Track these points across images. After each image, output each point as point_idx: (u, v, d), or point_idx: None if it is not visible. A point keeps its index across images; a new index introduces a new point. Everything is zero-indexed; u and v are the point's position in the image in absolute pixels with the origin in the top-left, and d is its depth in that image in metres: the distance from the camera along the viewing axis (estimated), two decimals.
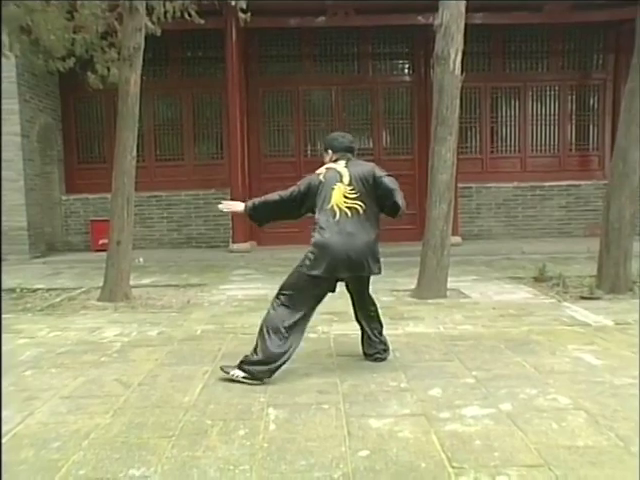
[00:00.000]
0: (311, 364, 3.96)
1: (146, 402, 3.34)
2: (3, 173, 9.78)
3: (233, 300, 6.29)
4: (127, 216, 6.39)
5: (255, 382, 3.57)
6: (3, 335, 4.95)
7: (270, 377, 3.61)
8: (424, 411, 3.13)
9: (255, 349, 3.66)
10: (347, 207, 3.78)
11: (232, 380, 3.62)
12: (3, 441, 2.87)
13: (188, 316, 5.55)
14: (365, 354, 4.07)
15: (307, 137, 11.32)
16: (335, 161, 3.97)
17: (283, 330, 3.65)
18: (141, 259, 9.00)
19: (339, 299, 6.10)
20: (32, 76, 10.09)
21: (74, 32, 6.86)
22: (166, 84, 11.01)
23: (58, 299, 6.54)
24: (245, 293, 6.70)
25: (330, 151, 4.06)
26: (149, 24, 6.65)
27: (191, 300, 6.33)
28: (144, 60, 6.50)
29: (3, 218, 9.81)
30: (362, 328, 4.09)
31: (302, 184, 3.98)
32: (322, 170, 3.96)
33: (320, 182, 3.88)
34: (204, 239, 10.96)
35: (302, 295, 3.78)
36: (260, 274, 8.10)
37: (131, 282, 6.57)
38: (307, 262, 3.82)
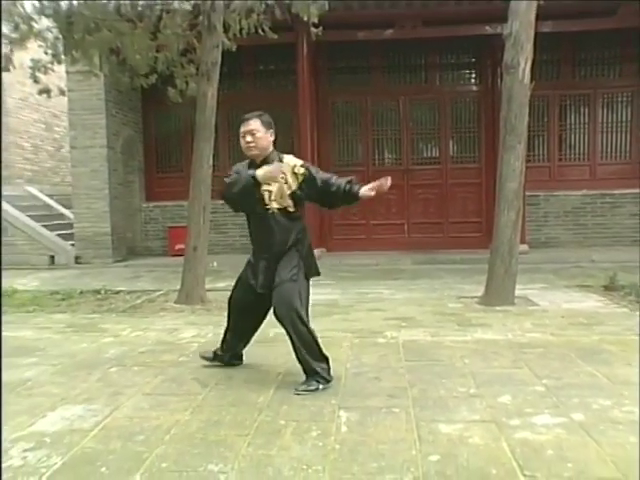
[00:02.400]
0: (381, 368, 3.94)
1: (222, 401, 3.41)
2: (91, 182, 10.30)
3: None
4: (203, 223, 6.55)
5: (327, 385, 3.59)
6: (90, 333, 5.18)
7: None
8: (494, 418, 3.06)
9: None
10: None
11: (274, 380, 3.64)
12: (94, 432, 2.99)
13: None
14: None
15: (375, 147, 11.30)
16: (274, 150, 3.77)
17: None
18: (215, 263, 9.17)
19: (404, 305, 6.11)
20: (118, 93, 10.53)
21: (157, 51, 7.10)
22: (240, 97, 11.19)
23: (139, 301, 6.77)
24: (315, 298, 6.61)
25: (273, 132, 3.76)
26: (225, 41, 6.83)
27: None
28: (220, 74, 6.65)
29: (90, 224, 10.29)
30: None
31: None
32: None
33: None
34: None
35: None
36: (330, 280, 8.11)
37: (206, 286, 6.72)
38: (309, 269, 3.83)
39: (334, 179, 3.72)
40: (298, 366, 3.89)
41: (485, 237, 9.76)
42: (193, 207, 6.56)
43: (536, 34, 6.02)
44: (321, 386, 3.54)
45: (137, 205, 11.53)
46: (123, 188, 11.07)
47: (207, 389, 3.62)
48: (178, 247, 10.09)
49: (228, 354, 4.05)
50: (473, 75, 11.32)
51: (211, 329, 5.23)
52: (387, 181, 3.59)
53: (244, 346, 4.07)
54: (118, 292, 7.31)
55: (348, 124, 11.32)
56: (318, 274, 3.93)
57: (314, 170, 3.76)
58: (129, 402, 3.42)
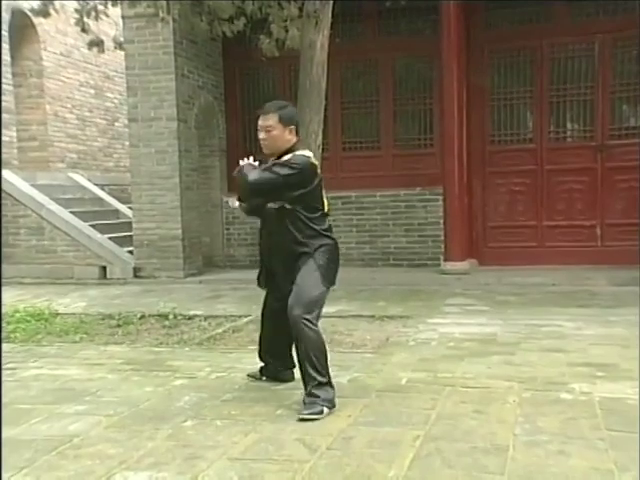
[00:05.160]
0: (568, 438, 3.80)
1: (338, 474, 3.42)
2: (155, 168, 10.64)
3: (448, 339, 6.28)
4: None
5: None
6: (156, 373, 5.38)
7: None
8: None
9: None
10: None
11: (454, 451, 3.60)
12: None
13: (388, 359, 5.63)
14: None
15: (553, 113, 11.00)
16: (296, 145, 4.53)
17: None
18: None
19: (599, 345, 5.88)
20: (191, 44, 10.86)
21: None
22: (358, 47, 11.27)
23: (220, 330, 6.97)
24: (464, 330, 6.65)
25: (294, 129, 4.48)
26: None
27: (391, 337, 6.41)
28: (332, 16, 6.72)
29: (154, 225, 10.67)
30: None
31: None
32: (314, 159, 4.56)
33: (318, 174, 4.53)
34: (406, 255, 11.05)
35: None
36: (484, 305, 8.00)
37: None
38: (328, 274, 4.49)
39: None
40: (443, 427, 3.87)
41: None
42: None
43: None
44: (326, 409, 4.20)
45: (217, 199, 11.85)
46: (199, 176, 11.47)
47: (316, 455, 3.64)
48: None
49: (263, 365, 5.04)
50: None
51: None
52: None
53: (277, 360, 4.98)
54: (192, 317, 7.56)
55: (513, 82, 11.10)
56: (332, 284, 4.59)
57: (294, 163, 4.39)
58: (211, 470, 3.50)
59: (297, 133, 4.52)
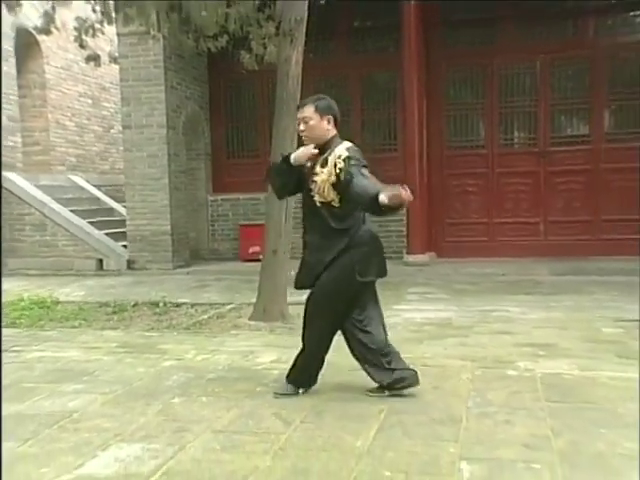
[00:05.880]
0: (513, 409, 3.85)
1: (311, 444, 3.43)
2: (147, 170, 10.65)
3: (410, 324, 6.30)
4: (285, 220, 6.63)
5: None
6: (148, 355, 5.36)
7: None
8: None
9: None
10: None
11: (414, 423, 3.62)
12: (155, 478, 3.08)
13: None
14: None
15: (502, 122, 11.06)
16: (335, 138, 4.15)
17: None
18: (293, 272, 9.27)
19: (541, 328, 5.95)
20: (180, 59, 10.86)
21: (228, 6, 7.25)
22: (330, 62, 11.28)
23: (205, 316, 6.95)
24: (424, 316, 6.69)
25: (332, 119, 4.14)
26: None
27: None
28: (306, 34, 6.71)
29: (146, 222, 10.66)
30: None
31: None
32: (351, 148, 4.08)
33: None
34: None
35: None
36: (443, 293, 8.05)
37: (288, 298, 6.79)
38: (358, 266, 4.01)
39: (362, 180, 3.87)
40: (405, 402, 3.91)
41: None
42: (272, 201, 6.64)
43: None
44: (298, 391, 4.22)
45: (202, 198, 11.85)
46: (186, 177, 11.42)
47: (291, 428, 3.65)
48: (252, 250, 10.31)
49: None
50: None
51: (294, 352, 5.26)
52: (405, 193, 3.59)
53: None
54: (180, 305, 7.53)
55: (467, 94, 11.16)
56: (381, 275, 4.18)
57: (354, 163, 3.95)
58: (196, 441, 3.50)
59: (336, 125, 4.17)
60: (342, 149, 4.03)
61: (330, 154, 4.04)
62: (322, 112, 4.09)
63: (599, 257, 9.92)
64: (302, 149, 4.14)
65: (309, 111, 4.08)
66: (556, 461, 3.15)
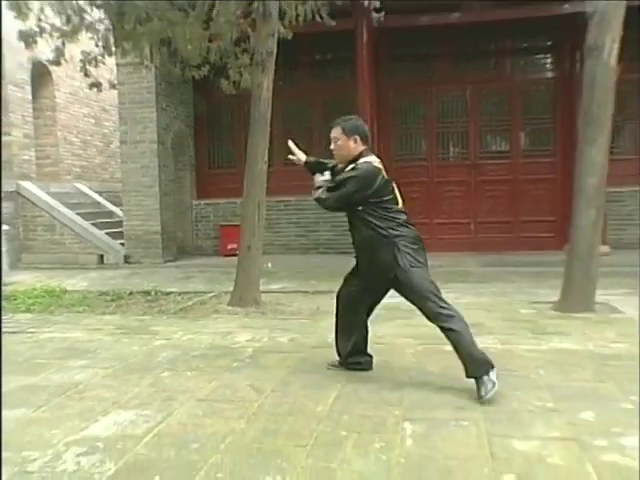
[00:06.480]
0: (448, 378, 3.88)
1: (279, 409, 3.43)
2: (140, 179, 10.57)
3: None
4: (258, 221, 6.62)
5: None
6: (141, 336, 5.30)
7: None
8: (575, 436, 2.97)
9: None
10: None
11: (366, 390, 3.64)
12: (147, 439, 3.07)
13: (319, 323, 5.62)
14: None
15: (439, 140, 11.16)
16: (363, 153, 3.94)
17: None
18: (269, 264, 9.26)
19: (471, 310, 5.99)
20: (169, 85, 10.76)
21: (209, 40, 7.21)
22: (296, 88, 11.26)
23: (190, 302, 6.88)
24: None
25: (359, 138, 3.92)
26: (281, 28, 6.87)
27: (321, 307, 6.39)
28: (276, 64, 6.69)
29: (140, 222, 10.58)
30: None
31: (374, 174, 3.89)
32: (377, 163, 3.92)
33: (383, 176, 3.90)
34: (333, 245, 11.05)
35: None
36: None
37: (260, 287, 6.79)
38: (416, 261, 3.87)
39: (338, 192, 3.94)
40: (359, 374, 3.93)
41: (560, 237, 9.51)
42: (247, 205, 6.64)
43: (627, 10, 5.77)
44: (493, 379, 3.52)
45: (188, 202, 11.74)
46: (174, 185, 11.32)
47: (263, 396, 3.65)
48: (230, 247, 10.25)
49: (343, 358, 4.16)
50: (549, 60, 11.04)
51: (266, 333, 5.28)
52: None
53: (354, 346, 4.12)
54: (169, 293, 7.45)
55: (410, 116, 11.24)
56: (425, 264, 4.02)
57: (352, 175, 3.85)
58: (182, 408, 3.48)
59: (364, 142, 3.93)
60: (361, 162, 3.88)
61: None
62: (349, 133, 3.91)
63: (518, 252, 10.07)
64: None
65: (337, 132, 3.94)
66: (480, 418, 3.21)
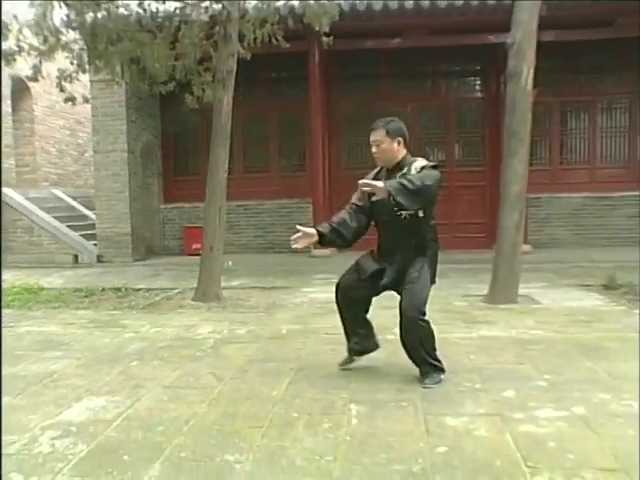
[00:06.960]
0: (391, 364, 3.92)
1: (238, 394, 3.41)
2: (112, 185, 10.38)
3: (316, 302, 6.31)
4: (219, 224, 6.57)
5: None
6: (112, 329, 5.20)
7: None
8: (498, 411, 3.05)
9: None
10: None
11: (316, 377, 3.65)
12: (117, 422, 3.02)
13: (274, 316, 5.63)
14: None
15: None
16: (407, 156, 3.53)
17: None
18: (230, 263, 9.18)
19: None
20: (138, 100, 10.58)
21: (175, 60, 7.11)
22: (254, 103, 11.20)
23: (157, 298, 6.79)
24: (327, 296, 6.59)
25: (402, 140, 3.50)
26: (240, 50, 6.84)
27: (276, 302, 6.42)
28: (235, 82, 6.67)
29: (111, 225, 10.39)
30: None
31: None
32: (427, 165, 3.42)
33: None
34: (287, 245, 10.83)
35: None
36: (336, 279, 8.08)
37: (222, 284, 6.74)
38: (434, 274, 3.63)
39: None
40: (310, 361, 3.93)
41: (490, 237, 9.68)
42: (209, 209, 6.58)
43: (538, 43, 6.01)
44: (442, 376, 3.49)
45: (155, 207, 11.56)
46: (142, 190, 11.12)
47: (223, 383, 3.63)
48: (194, 247, 10.12)
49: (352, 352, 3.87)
50: (478, 83, 11.31)
51: (226, 325, 5.25)
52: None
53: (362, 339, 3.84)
54: (138, 290, 7.33)
55: (357, 129, 11.29)
56: (433, 282, 3.67)
57: (409, 176, 3.36)
58: (149, 394, 3.44)
59: (406, 144, 3.52)
60: (422, 162, 3.47)
61: (408, 172, 3.44)
62: (393, 135, 3.45)
63: (454, 250, 10.23)
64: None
65: (380, 134, 3.45)
66: (418, 399, 3.26)
